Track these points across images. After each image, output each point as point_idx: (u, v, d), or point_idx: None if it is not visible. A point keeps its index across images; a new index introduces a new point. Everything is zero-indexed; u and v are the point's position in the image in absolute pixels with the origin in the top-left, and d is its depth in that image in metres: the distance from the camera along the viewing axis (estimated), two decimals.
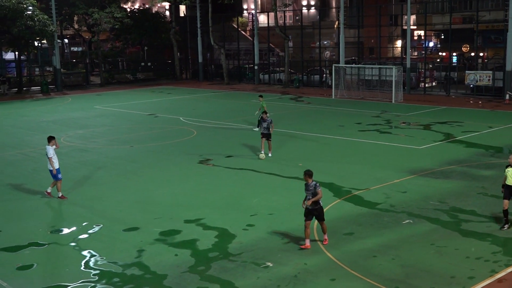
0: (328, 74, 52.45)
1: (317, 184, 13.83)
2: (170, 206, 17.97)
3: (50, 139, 19.27)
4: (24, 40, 54.04)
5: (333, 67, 46.76)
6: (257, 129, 31.52)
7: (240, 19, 67.50)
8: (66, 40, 77.46)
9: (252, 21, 61.62)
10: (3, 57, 65.17)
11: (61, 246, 14.73)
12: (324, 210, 14.58)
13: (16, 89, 56.42)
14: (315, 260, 13.45)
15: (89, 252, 14.27)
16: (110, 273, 13.04)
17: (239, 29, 65.31)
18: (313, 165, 22.60)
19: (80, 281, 12.62)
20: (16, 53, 58.87)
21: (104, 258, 13.87)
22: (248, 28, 68.63)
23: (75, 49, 79.83)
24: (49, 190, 19.17)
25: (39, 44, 61.28)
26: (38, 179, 21.66)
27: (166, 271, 13.04)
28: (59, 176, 18.89)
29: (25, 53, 59.29)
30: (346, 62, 51.35)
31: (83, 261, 13.69)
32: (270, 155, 24.26)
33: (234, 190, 19.61)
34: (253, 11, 61.30)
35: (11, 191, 20.15)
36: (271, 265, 13.23)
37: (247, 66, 61.58)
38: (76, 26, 68.58)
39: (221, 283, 12.39)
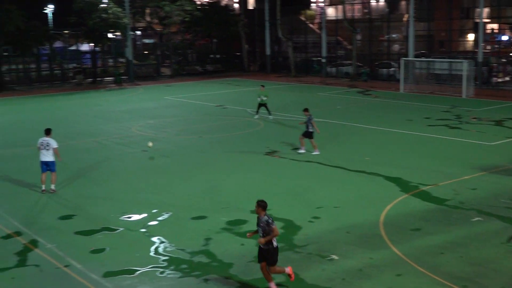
0: (397, 68, 51.51)
1: (270, 220, 11.20)
2: (237, 196, 18.11)
3: (50, 131, 19.36)
4: (99, 32, 55.50)
5: (402, 60, 45.88)
6: (257, 116, 32.91)
7: (308, 11, 67.14)
8: (138, 32, 78.97)
9: (320, 14, 61.17)
10: (79, 48, 67.20)
11: (132, 232, 15.10)
12: (391, 204, 14.33)
13: (91, 79, 58.10)
14: (380, 254, 13.27)
15: (158, 238, 14.56)
16: (178, 259, 13.27)
17: (307, 22, 64.98)
18: (380, 159, 22.32)
19: (149, 266, 12.90)
20: (91, 44, 60.57)
21: (173, 245, 14.12)
22: (316, 21, 68.15)
23: (147, 41, 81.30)
24: (53, 187, 19.00)
25: (113, 36, 62.84)
26: (111, 167, 22.26)
27: (232, 259, 13.16)
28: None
29: (100, 45, 60.82)
30: (416, 56, 50.28)
31: (153, 247, 13.99)
32: (315, 152, 23.40)
33: (300, 182, 19.57)
34: (321, 4, 60.83)
35: (85, 178, 20.78)
36: (336, 258, 13.14)
37: (314, 59, 61.23)
38: (148, 19, 69.70)
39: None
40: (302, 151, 23.43)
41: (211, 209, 16.78)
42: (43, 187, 18.88)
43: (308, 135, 23.40)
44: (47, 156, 18.85)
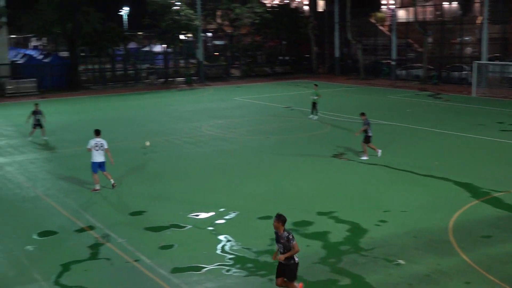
0: (469, 71, 50.07)
1: (291, 236, 10.74)
2: (303, 197, 18.05)
3: (100, 132, 19.66)
4: (171, 34, 56.60)
5: (475, 64, 44.55)
6: (312, 116, 32.99)
7: (378, 14, 66.21)
8: (209, 34, 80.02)
9: (391, 16, 60.22)
10: (152, 49, 68.70)
11: (199, 230, 15.29)
12: (461, 210, 13.95)
13: (163, 79, 59.26)
14: (449, 261, 12.93)
15: (225, 237, 14.69)
16: (244, 258, 13.34)
17: (377, 24, 64.09)
18: (450, 163, 21.76)
19: (216, 264, 13.03)
20: (164, 46, 61.81)
21: (239, 243, 14.21)
22: (386, 23, 67.14)
23: (217, 42, 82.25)
24: (112, 181, 19.52)
25: (185, 38, 63.92)
26: (181, 165, 22.63)
27: (298, 260, 13.09)
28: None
29: (172, 46, 62.01)
30: (489, 59, 48.74)
31: (219, 245, 14.12)
32: (364, 157, 22.86)
33: (366, 185, 19.33)
34: (392, 6, 59.89)
35: (156, 175, 21.20)
36: (403, 262, 12.90)
37: (384, 61, 60.33)
38: (218, 21, 70.60)
39: (352, 276, 12.26)
40: (365, 157, 22.95)
41: (277, 210, 16.71)
42: (98, 187, 19.19)
43: (367, 139, 23.00)
44: (101, 157, 19.19)
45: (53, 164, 23.34)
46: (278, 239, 10.74)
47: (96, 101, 45.14)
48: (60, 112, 38.83)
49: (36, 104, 29.45)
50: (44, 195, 18.85)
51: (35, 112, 28.70)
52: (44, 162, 23.66)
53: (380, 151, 23.10)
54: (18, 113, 38.34)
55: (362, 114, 23.38)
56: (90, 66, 60.94)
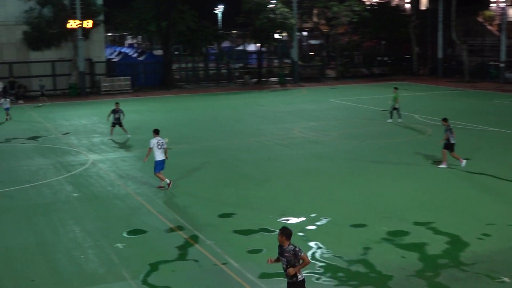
0: None
1: (298, 249, 10.02)
2: (399, 205, 17.67)
3: (158, 131, 20.22)
4: (266, 33, 57.02)
5: None
6: (390, 120, 32.70)
7: (486, 12, 63.86)
8: (304, 33, 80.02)
9: (501, 15, 57.90)
10: (246, 48, 69.53)
11: None
12: None
13: (256, 79, 59.84)
14: None
15: (315, 243, 14.61)
16: (335, 267, 13.22)
17: (485, 23, 61.80)
18: None
19: (305, 272, 12.96)
20: (258, 45, 62.39)
21: (330, 251, 14.09)
22: (495, 22, 64.64)
23: (313, 42, 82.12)
24: (167, 181, 19.87)
25: (279, 37, 64.25)
26: (272, 168, 22.74)
27: (392, 272, 12.85)
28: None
29: (266, 45, 62.52)
30: None
31: (310, 252, 14.06)
32: (463, 164, 21.88)
33: (468, 195, 18.67)
34: (502, 4, 57.55)
35: (246, 177, 21.41)
36: (507, 280, 12.34)
37: (491, 63, 58.07)
38: (315, 19, 70.46)
39: None
40: (443, 166, 22.08)
41: (371, 218, 16.53)
42: (168, 180, 19.86)
43: (449, 147, 22.04)
44: (163, 155, 19.75)
45: (144, 163, 24.04)
46: (282, 252, 10.17)
47: (188, 100, 46.21)
48: (152, 110, 40.07)
49: (117, 103, 30.53)
50: (134, 193, 19.49)
51: (115, 111, 29.74)
52: (135, 160, 24.46)
53: (464, 161, 21.97)
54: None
55: (444, 120, 22.45)
56: (183, 65, 62.50)
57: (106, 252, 14.40)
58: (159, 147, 19.71)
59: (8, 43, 49.99)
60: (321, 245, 14.48)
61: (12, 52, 50.13)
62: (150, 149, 19.71)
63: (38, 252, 14.45)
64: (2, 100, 36.39)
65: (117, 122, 29.68)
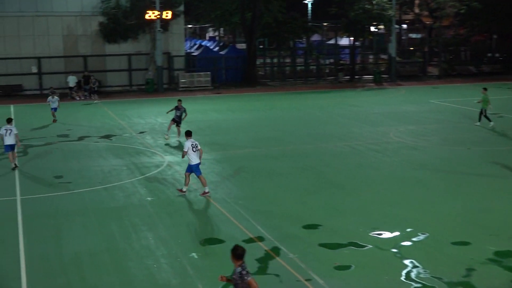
0: None
1: (244, 272, 9.88)
2: (510, 223, 17.08)
3: (191, 133, 20.60)
4: (360, 25, 56.57)
5: None
6: (479, 123, 32.40)
7: None
8: (404, 26, 78.82)
9: None
10: (338, 42, 69.15)
11: (381, 251, 15.08)
12: None
13: (348, 77, 59.43)
14: None
15: (411, 261, 14.34)
16: None
17: None
18: None
19: None
20: (351, 38, 61.95)
21: (428, 271, 13.79)
22: None
23: (413, 36, 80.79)
24: (185, 188, 20.25)
25: (375, 30, 63.54)
26: (363, 175, 22.53)
27: None
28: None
29: (360, 39, 61.99)
30: None
31: (404, 271, 13.81)
32: None
33: None
34: None
35: (334, 185, 21.29)
36: None
37: None
38: (416, 11, 69.24)
39: None
40: None
41: (476, 235, 16.06)
42: (185, 189, 20.27)
43: None
44: (198, 158, 20.10)
45: (223, 166, 24.40)
46: (232, 274, 10.10)
47: (273, 98, 46.45)
48: (233, 109, 40.54)
49: (179, 101, 31.01)
50: (212, 199, 19.75)
51: (177, 108, 30.19)
52: (213, 163, 24.81)
53: None
54: (190, 109, 40.64)
55: None
56: (268, 60, 62.87)
57: (180, 261, 14.66)
58: (194, 149, 20.00)
59: (83, 35, 51.88)
60: (417, 264, 14.19)
61: (87, 44, 51.99)
62: (185, 152, 20.01)
63: (108, 259, 14.89)
64: (50, 98, 36.23)
65: (178, 120, 30.07)
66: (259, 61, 60.86)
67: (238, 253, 9.95)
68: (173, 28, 53.79)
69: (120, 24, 50.76)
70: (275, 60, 62.68)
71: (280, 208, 18.77)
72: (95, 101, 44.87)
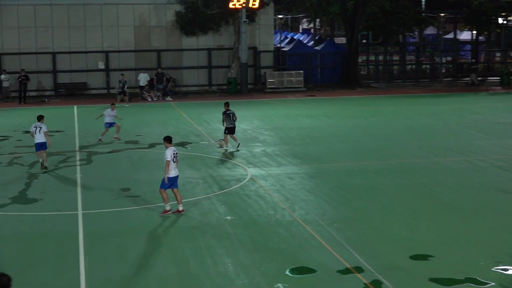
0: None
1: None
2: None
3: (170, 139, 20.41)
4: (486, 16, 55.41)
5: None
6: None
7: None
8: None
9: None
10: (457, 37, 67.92)
11: None
12: None
13: (479, 78, 58.12)
14: None
15: None
16: None
17: None
18: None
19: None
20: (473, 32, 60.74)
21: None
22: None
23: None
24: (168, 207, 20.32)
25: (504, 22, 62.09)
26: (484, 197, 22.04)
27: None
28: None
29: (485, 33, 60.72)
30: None
31: None
32: None
33: None
34: None
35: (449, 208, 20.89)
36: None
37: None
38: None
39: None
40: None
41: None
42: (168, 207, 20.35)
43: None
44: (176, 170, 20.25)
45: (317, 182, 24.33)
46: None
47: (377, 103, 46.12)
48: (329, 115, 40.45)
49: (226, 103, 30.92)
50: (302, 220, 19.71)
51: (228, 113, 30.13)
52: (305, 178, 24.78)
53: None
54: (279, 114, 40.83)
55: None
56: (372, 57, 62.47)
57: None
58: (174, 160, 20.05)
59: (157, 27, 52.96)
60: None
61: (161, 37, 53.04)
62: (168, 162, 19.95)
63: (179, 286, 15.07)
64: (108, 110, 32.94)
65: (233, 126, 30.07)
66: (361, 59, 60.58)
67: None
68: (261, 19, 54.20)
69: (200, 14, 51.49)
70: (381, 58, 62.19)
71: (383, 234, 18.55)
72: (126, 105, 44.95)
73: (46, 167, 25.76)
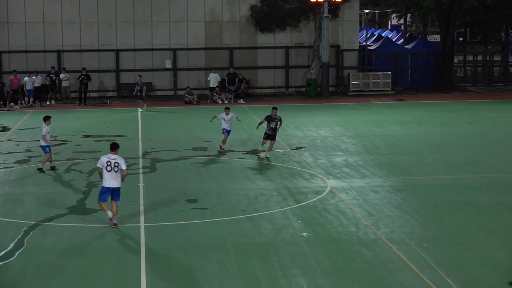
0: None
1: None
2: None
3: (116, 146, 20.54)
4: None
5: None
6: None
7: None
8: None
9: None
10: None
11: None
12: None
13: None
14: None
15: None
16: None
17: None
18: None
19: None
20: None
21: None
22: None
23: None
24: (110, 214, 20.48)
25: None
26: None
27: None
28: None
29: None
30: None
31: None
32: None
33: None
34: None
35: None
36: None
37: None
38: None
39: None
40: None
41: None
42: (111, 214, 20.51)
43: None
44: (114, 181, 20.40)
45: (404, 196, 24.09)
46: None
47: (475, 109, 45.54)
48: (420, 122, 40.08)
49: (274, 108, 31.03)
50: (387, 239, 19.55)
51: (271, 119, 30.38)
52: (391, 192, 24.58)
53: None
54: (363, 120, 40.64)
55: None
56: (470, 58, 61.67)
57: None
58: (109, 169, 19.91)
59: (230, 22, 53.27)
60: None
61: (235, 34, 53.35)
62: (100, 169, 20.13)
63: None
64: (223, 114, 31.78)
65: (273, 134, 30.27)
66: (457, 59, 59.87)
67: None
68: (345, 14, 54.09)
69: (277, 9, 51.60)
70: (480, 58, 61.33)
71: (480, 256, 18.26)
72: (140, 109, 45.26)
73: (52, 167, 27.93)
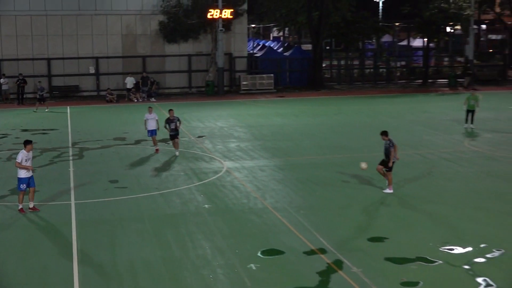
0: None
1: None
2: None
3: (26, 143, 19.54)
4: (435, 26, 55.81)
5: None
6: (467, 125, 33.40)
7: None
8: (483, 26, 77.39)
9: None
10: (410, 44, 68.43)
11: (452, 267, 14.89)
12: None
13: (421, 80, 58.74)
14: None
15: (484, 279, 14.12)
16: None
17: None
18: None
19: None
20: (425, 40, 61.21)
21: None
22: None
23: (493, 37, 79.23)
24: (20, 206, 19.50)
25: (451, 30, 62.62)
26: (434, 186, 22.28)
27: None
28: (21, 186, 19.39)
29: (435, 40, 61.16)
30: None
31: None
32: None
33: None
34: None
35: (403, 196, 21.11)
36: None
37: None
38: (497, 10, 67.88)
39: None
40: None
41: None
42: (21, 206, 19.61)
43: None
44: (27, 171, 19.52)
45: (285, 173, 24.45)
46: None
47: (339, 103, 46.35)
48: (297, 114, 40.59)
49: (171, 110, 28.41)
50: (272, 208, 19.85)
51: (169, 120, 27.54)
52: (275, 170, 24.90)
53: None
54: (251, 113, 40.93)
55: None
56: (335, 62, 62.72)
57: (237, 272, 14.79)
58: (27, 162, 19.34)
59: (142, 35, 52.78)
60: (491, 282, 13.96)
61: (146, 44, 52.88)
62: (18, 164, 19.25)
63: (163, 268, 15.14)
64: (147, 114, 29.31)
65: (175, 134, 27.67)
66: (325, 63, 60.78)
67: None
68: (236, 28, 54.20)
69: (181, 24, 51.41)
70: (342, 62, 62.46)
71: (344, 219, 18.72)
72: (46, 109, 43.43)
73: None
